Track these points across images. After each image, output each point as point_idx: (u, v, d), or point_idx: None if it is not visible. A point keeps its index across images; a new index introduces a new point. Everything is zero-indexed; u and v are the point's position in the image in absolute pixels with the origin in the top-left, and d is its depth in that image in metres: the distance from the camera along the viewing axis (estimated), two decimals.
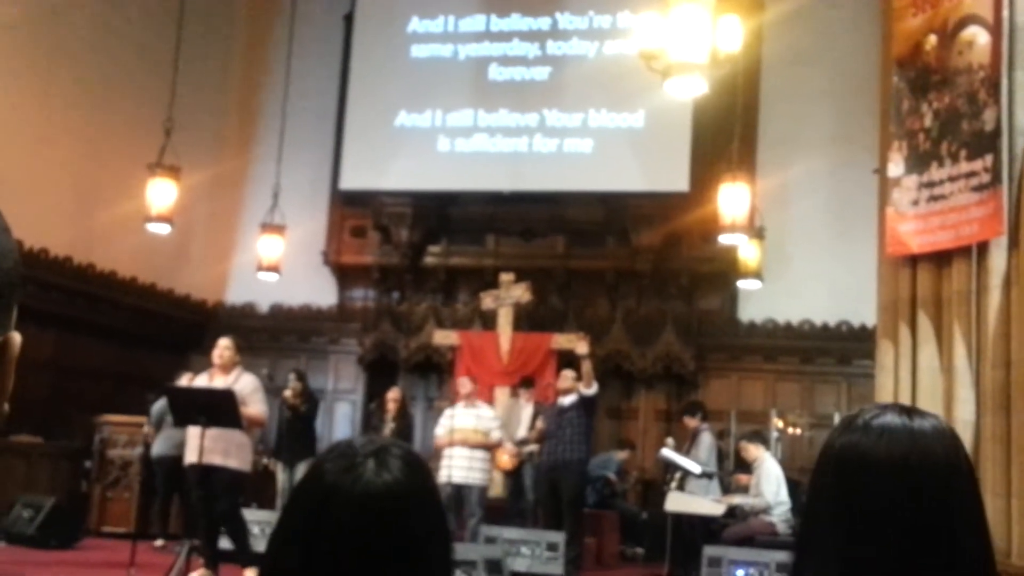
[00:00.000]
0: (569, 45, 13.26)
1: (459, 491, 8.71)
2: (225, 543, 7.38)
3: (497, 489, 10.52)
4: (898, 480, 1.18)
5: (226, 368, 7.36)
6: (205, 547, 7.19)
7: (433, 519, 1.21)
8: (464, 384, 9.34)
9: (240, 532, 7.31)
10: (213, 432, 6.94)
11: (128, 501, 10.25)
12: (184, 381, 9.58)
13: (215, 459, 7.03)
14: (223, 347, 7.41)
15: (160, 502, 9.94)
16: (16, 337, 0.84)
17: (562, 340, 11.21)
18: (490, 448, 9.10)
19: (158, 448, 9.76)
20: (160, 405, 9.16)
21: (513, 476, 10.20)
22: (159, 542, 9.54)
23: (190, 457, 7.11)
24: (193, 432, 7.09)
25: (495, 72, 13.41)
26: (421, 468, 1.24)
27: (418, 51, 13.65)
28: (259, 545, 7.60)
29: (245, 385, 7.28)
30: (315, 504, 1.19)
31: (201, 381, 7.53)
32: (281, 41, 13.11)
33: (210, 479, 7.07)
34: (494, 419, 9.18)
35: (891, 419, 1.23)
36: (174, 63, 10.10)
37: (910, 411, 1.25)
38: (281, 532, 1.20)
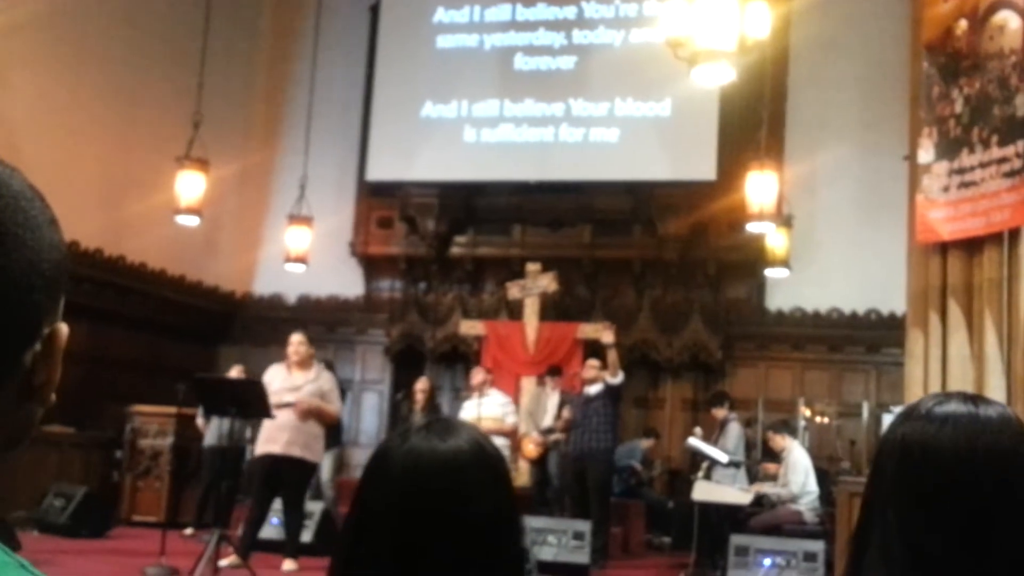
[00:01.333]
0: (595, 34, 13.21)
1: None
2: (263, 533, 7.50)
3: (523, 478, 10.55)
4: (963, 468, 1.15)
5: (303, 363, 7.39)
6: (246, 536, 7.28)
7: (487, 489, 1.22)
8: (476, 374, 9.40)
9: (299, 523, 7.44)
10: (294, 424, 7.04)
11: (158, 490, 10.36)
12: (234, 373, 9.70)
13: (296, 451, 7.14)
14: (297, 343, 7.42)
15: (203, 491, 10.01)
16: (63, 328, 0.86)
17: (588, 330, 11.20)
18: (507, 434, 9.15)
19: (207, 439, 9.89)
20: None
21: (539, 465, 10.21)
22: (189, 531, 9.63)
23: (265, 448, 7.20)
24: (270, 424, 7.17)
25: (521, 62, 13.38)
26: (479, 442, 1.25)
27: (444, 41, 13.64)
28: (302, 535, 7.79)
29: (326, 382, 7.43)
30: (371, 471, 1.24)
31: (278, 374, 7.47)
32: (307, 33, 13.15)
33: (285, 470, 7.16)
34: (505, 404, 9.24)
35: (956, 407, 1.20)
36: (201, 56, 10.14)
37: (975, 399, 1.22)
38: (353, 498, 1.25)
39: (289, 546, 7.37)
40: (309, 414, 7.20)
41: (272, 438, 7.16)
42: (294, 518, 7.44)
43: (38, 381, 0.84)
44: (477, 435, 1.26)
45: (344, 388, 11.00)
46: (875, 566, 1.19)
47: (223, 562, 7.05)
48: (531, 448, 10.08)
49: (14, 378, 0.82)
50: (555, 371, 10.54)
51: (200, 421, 9.98)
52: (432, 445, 1.21)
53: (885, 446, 1.24)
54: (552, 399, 10.21)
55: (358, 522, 1.21)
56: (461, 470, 1.20)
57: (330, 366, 10.48)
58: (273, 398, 7.16)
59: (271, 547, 7.56)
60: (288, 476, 7.25)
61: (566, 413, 9.62)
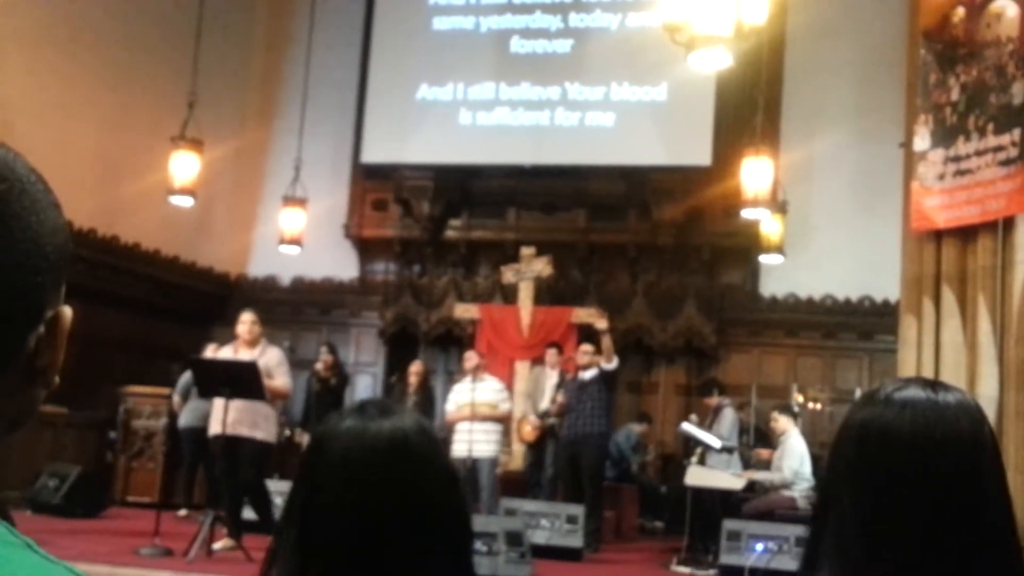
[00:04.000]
0: (592, 17, 13.16)
1: (472, 465, 8.79)
2: (249, 513, 7.47)
3: (518, 462, 10.55)
4: (922, 454, 1.13)
5: (252, 342, 7.45)
6: (229, 517, 7.28)
7: (436, 473, 1.24)
8: (470, 358, 9.35)
9: (264, 502, 7.41)
10: (240, 404, 7.03)
11: (152, 471, 10.37)
12: (209, 352, 9.69)
13: (243, 430, 7.13)
14: (249, 321, 7.49)
15: (186, 472, 10.03)
16: (67, 311, 0.86)
17: (582, 315, 11.19)
18: (500, 420, 9.14)
19: (184, 419, 9.87)
20: (187, 377, 9.23)
21: (535, 449, 10.20)
22: (182, 512, 9.65)
23: (215, 428, 7.19)
24: (219, 404, 7.16)
25: (517, 45, 13.33)
26: (419, 420, 1.28)
27: (440, 23, 13.59)
28: None
29: (271, 358, 7.40)
30: (319, 447, 1.24)
31: (226, 353, 7.57)
32: (303, 14, 13.08)
33: (237, 450, 7.16)
34: (500, 390, 9.20)
35: (915, 392, 1.18)
36: (196, 36, 10.09)
37: (934, 384, 1.20)
38: (295, 481, 1.26)
39: (264, 527, 7.31)
40: None
41: (217, 418, 7.17)
42: (256, 497, 7.40)
43: (41, 364, 0.85)
44: (415, 414, 1.29)
45: (348, 372, 11.07)
46: (830, 555, 1.17)
47: (216, 545, 7.07)
48: (528, 431, 10.08)
49: (18, 361, 0.82)
50: (555, 346, 10.42)
51: (176, 400, 9.94)
52: (378, 424, 1.23)
53: (843, 431, 1.21)
54: (551, 379, 10.12)
55: (306, 504, 1.21)
56: (409, 446, 1.22)
57: (332, 350, 10.59)
58: None
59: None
60: (241, 456, 7.21)
61: (560, 397, 9.62)
